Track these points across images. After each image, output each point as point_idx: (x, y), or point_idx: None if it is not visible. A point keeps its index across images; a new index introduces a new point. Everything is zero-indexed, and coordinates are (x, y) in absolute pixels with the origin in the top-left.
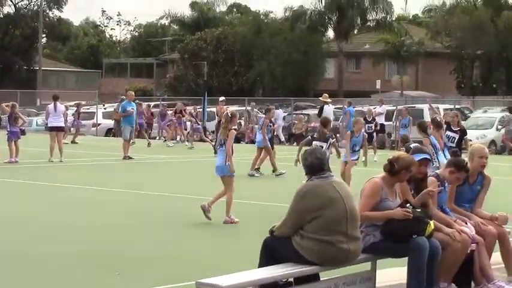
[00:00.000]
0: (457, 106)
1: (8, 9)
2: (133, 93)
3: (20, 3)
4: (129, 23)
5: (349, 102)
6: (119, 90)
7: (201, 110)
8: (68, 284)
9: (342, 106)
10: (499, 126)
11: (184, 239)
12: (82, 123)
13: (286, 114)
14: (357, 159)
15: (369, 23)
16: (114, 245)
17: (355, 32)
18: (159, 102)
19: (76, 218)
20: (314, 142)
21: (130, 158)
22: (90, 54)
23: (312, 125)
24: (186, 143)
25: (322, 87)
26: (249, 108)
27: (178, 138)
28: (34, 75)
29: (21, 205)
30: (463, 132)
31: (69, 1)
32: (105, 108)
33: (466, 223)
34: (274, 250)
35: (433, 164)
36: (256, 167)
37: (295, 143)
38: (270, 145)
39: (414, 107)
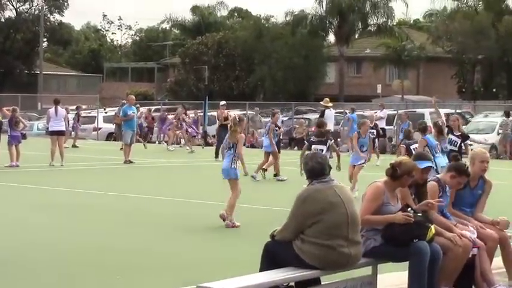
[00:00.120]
0: (458, 111)
1: (10, 13)
2: (133, 97)
3: (21, 8)
4: (130, 28)
5: (352, 109)
6: (120, 95)
7: (202, 114)
8: None
9: (342, 110)
10: (500, 131)
11: (185, 242)
12: (81, 126)
13: (287, 118)
14: (364, 162)
15: (369, 28)
16: (115, 249)
17: (356, 37)
18: (160, 107)
19: (77, 223)
20: (313, 146)
21: (131, 162)
22: (91, 59)
23: (313, 129)
24: (187, 147)
25: (323, 92)
26: (252, 113)
27: (182, 143)
28: (35, 80)
29: (22, 209)
30: (464, 137)
31: (70, 5)
32: (106, 113)
33: (469, 227)
34: (275, 254)
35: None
36: (263, 167)
37: (296, 147)
38: (277, 149)
39: (415, 111)
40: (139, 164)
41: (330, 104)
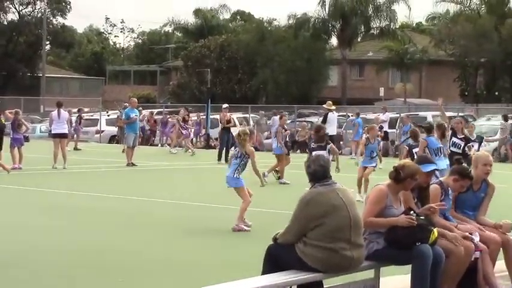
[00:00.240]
0: (460, 114)
1: (12, 16)
2: (136, 100)
3: (24, 11)
4: (132, 30)
5: (357, 114)
6: (122, 98)
7: (204, 117)
8: None
9: (345, 114)
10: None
11: (187, 245)
12: (82, 129)
13: (289, 121)
14: (376, 166)
15: (372, 31)
16: (117, 251)
17: (359, 40)
18: (162, 110)
19: (79, 225)
20: (314, 153)
21: (134, 164)
22: (93, 62)
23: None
24: (189, 150)
25: (326, 95)
26: (256, 116)
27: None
28: (38, 82)
29: (24, 212)
30: (467, 139)
31: (73, 8)
32: (108, 115)
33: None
34: (277, 257)
35: None
36: (278, 174)
37: (298, 151)
38: (287, 151)
39: (417, 114)
40: (142, 167)
41: (333, 107)
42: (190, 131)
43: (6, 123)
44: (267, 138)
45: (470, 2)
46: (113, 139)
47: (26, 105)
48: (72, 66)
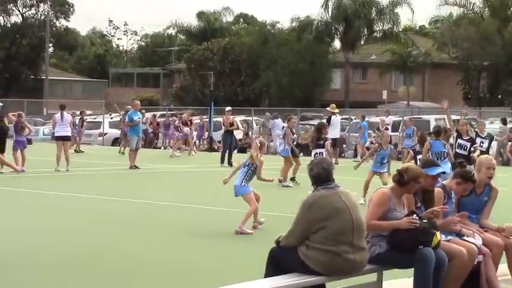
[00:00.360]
0: (463, 117)
1: (16, 18)
2: (139, 102)
3: (27, 13)
4: (136, 33)
5: (362, 116)
6: (125, 100)
7: (207, 120)
8: None
9: (348, 117)
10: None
11: (190, 248)
12: (85, 132)
13: None
14: (387, 171)
15: (375, 34)
16: (119, 254)
17: (362, 43)
18: (165, 112)
19: (82, 227)
20: (314, 151)
21: (137, 167)
22: (96, 64)
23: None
24: (193, 153)
25: (329, 98)
26: (258, 118)
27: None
28: (41, 85)
29: (27, 214)
30: (472, 141)
31: (76, 11)
32: (111, 118)
33: (474, 234)
34: (280, 260)
35: None
36: (291, 176)
37: (301, 153)
38: (296, 154)
39: (421, 117)
40: (145, 170)
41: (336, 110)
42: (191, 133)
43: (9, 125)
44: (270, 141)
45: (473, 5)
46: (116, 142)
47: (29, 108)
48: (75, 68)
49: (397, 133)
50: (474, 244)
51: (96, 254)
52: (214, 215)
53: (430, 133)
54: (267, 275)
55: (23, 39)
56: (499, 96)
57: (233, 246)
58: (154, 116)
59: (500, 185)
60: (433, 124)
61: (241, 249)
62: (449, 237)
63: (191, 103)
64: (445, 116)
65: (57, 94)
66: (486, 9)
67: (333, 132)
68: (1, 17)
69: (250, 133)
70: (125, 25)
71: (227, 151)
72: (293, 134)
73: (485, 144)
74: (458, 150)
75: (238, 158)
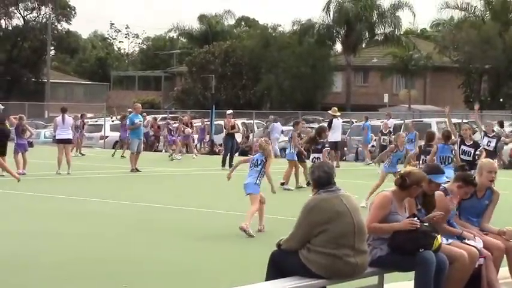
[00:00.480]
0: (464, 120)
1: (17, 21)
2: (140, 105)
3: (28, 16)
4: (137, 36)
5: (366, 117)
6: (126, 103)
7: (208, 123)
8: None
9: (349, 120)
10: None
11: (191, 251)
12: (86, 135)
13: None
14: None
15: (377, 37)
16: (121, 257)
17: (363, 46)
18: (166, 115)
19: (83, 230)
20: (312, 155)
21: (138, 170)
22: (98, 67)
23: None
24: (194, 156)
25: (330, 101)
26: (260, 122)
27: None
28: (42, 88)
29: (28, 217)
30: (476, 146)
31: (77, 14)
32: (112, 121)
33: (475, 237)
34: (281, 264)
35: None
36: (300, 181)
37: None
38: (297, 158)
39: (422, 121)
40: (146, 173)
41: (338, 114)
42: (192, 135)
43: (10, 128)
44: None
45: (474, 9)
46: (122, 144)
47: (31, 111)
48: (77, 71)
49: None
50: (475, 247)
51: (97, 257)
52: (215, 218)
53: (442, 136)
54: (268, 278)
55: (25, 42)
56: (501, 100)
57: (234, 249)
58: (155, 119)
59: (502, 188)
60: (434, 127)
61: (242, 252)
62: (450, 240)
63: (192, 106)
64: (446, 120)
65: (58, 97)
66: (487, 12)
67: (335, 135)
68: (3, 20)
69: (251, 136)
70: (126, 28)
71: (228, 154)
72: (301, 138)
73: (493, 144)
74: (462, 157)
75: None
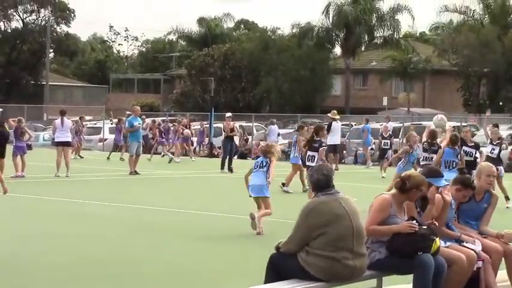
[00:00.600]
0: (463, 123)
1: (16, 24)
2: (139, 108)
3: (27, 18)
4: (136, 39)
5: (366, 120)
6: (125, 106)
7: (207, 125)
8: None
9: (348, 123)
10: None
11: (190, 254)
12: (84, 137)
13: (292, 130)
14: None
15: (376, 40)
16: (121, 259)
17: (362, 49)
18: (165, 118)
19: (83, 233)
20: (308, 153)
21: (137, 173)
22: (97, 70)
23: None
24: (193, 158)
25: (329, 104)
26: (259, 124)
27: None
28: (41, 90)
29: (28, 219)
30: (477, 147)
31: (77, 16)
32: (111, 124)
33: (474, 240)
34: (280, 266)
35: None
36: (304, 185)
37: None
38: (301, 162)
39: (421, 124)
40: (145, 175)
41: (337, 117)
42: (190, 138)
43: (9, 131)
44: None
45: (473, 12)
46: (116, 147)
47: (29, 113)
48: (76, 74)
49: (397, 139)
50: (473, 250)
51: (97, 259)
52: (215, 220)
53: (450, 140)
54: (266, 281)
55: (24, 45)
56: (500, 103)
57: (233, 252)
58: (154, 121)
59: (499, 191)
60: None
61: (242, 255)
62: (448, 243)
63: (192, 109)
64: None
65: (57, 100)
66: (486, 16)
67: (334, 138)
68: (2, 23)
69: (250, 139)
70: (125, 31)
71: (227, 157)
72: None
73: (496, 151)
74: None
75: (238, 164)
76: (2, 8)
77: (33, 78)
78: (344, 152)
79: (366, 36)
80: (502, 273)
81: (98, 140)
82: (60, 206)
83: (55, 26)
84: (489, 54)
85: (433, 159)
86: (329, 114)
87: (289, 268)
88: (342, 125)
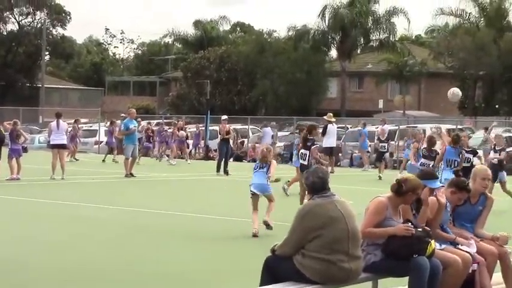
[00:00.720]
0: (459, 126)
1: (12, 26)
2: (134, 110)
3: (23, 21)
4: (132, 41)
5: (363, 124)
6: (121, 108)
7: (203, 128)
8: None
9: (344, 125)
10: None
11: (185, 257)
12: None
13: (288, 133)
14: None
15: (372, 43)
16: (115, 263)
17: (358, 52)
18: (160, 121)
19: (77, 236)
20: (301, 151)
21: (133, 175)
22: (93, 72)
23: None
24: (189, 161)
25: (325, 107)
26: (254, 127)
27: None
28: (37, 93)
29: (22, 222)
30: (474, 152)
31: (72, 19)
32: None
33: (469, 242)
34: (275, 269)
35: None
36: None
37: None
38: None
39: (416, 126)
40: (141, 178)
41: (333, 119)
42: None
43: (5, 133)
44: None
45: (469, 15)
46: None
47: (25, 116)
48: (72, 76)
49: (393, 142)
50: (468, 253)
51: (91, 262)
52: (210, 223)
53: (452, 140)
54: (262, 284)
55: (19, 47)
56: (496, 106)
57: (228, 255)
58: (149, 123)
59: (500, 195)
60: (428, 133)
61: (237, 258)
62: (443, 246)
63: (187, 112)
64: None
65: (53, 102)
66: (482, 19)
67: (329, 141)
68: None
69: (246, 141)
70: (121, 33)
71: (223, 159)
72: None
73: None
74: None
75: (234, 166)
76: None
77: (28, 81)
78: (340, 154)
79: (362, 39)
80: (497, 276)
81: (93, 143)
82: (55, 209)
83: (51, 29)
84: (485, 57)
85: (431, 165)
86: (325, 117)
87: (284, 271)
88: (338, 127)
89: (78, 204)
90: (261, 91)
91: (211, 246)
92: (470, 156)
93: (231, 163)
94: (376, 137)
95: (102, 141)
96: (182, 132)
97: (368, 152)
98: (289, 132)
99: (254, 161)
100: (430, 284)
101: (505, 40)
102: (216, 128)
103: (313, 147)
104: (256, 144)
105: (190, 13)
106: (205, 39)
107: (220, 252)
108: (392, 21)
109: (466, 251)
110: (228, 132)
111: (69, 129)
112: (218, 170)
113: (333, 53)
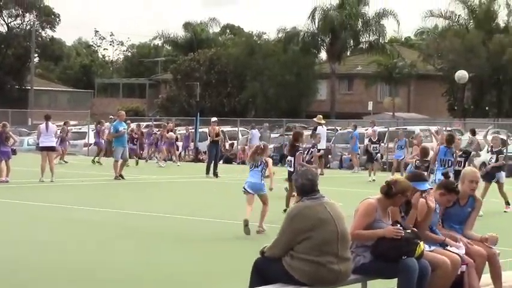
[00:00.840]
0: (448, 128)
1: (1, 28)
2: (124, 113)
3: (12, 23)
4: (122, 43)
5: (354, 126)
6: (111, 111)
7: (193, 130)
8: None
9: (334, 127)
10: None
11: (175, 259)
12: (69, 142)
13: (278, 135)
14: None
15: (361, 45)
16: (106, 265)
17: (348, 54)
18: (150, 123)
19: (67, 238)
20: (288, 158)
21: (123, 177)
22: (82, 74)
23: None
24: (178, 163)
25: (315, 109)
26: (244, 129)
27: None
28: (26, 95)
29: (11, 225)
30: (467, 154)
31: (62, 21)
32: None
33: (460, 243)
34: (264, 271)
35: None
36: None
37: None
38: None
39: (406, 128)
40: (131, 180)
41: (323, 121)
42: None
43: None
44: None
45: (458, 17)
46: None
47: (14, 118)
48: (61, 79)
49: (383, 144)
50: (457, 254)
51: (83, 265)
52: (200, 225)
53: (446, 140)
54: (251, 286)
55: (8, 49)
56: (487, 108)
57: (217, 257)
58: (139, 126)
59: (494, 196)
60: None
61: (226, 260)
62: (432, 247)
63: (177, 114)
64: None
65: (42, 104)
66: (471, 21)
67: (319, 143)
68: None
69: (235, 143)
70: (111, 35)
71: (212, 162)
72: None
73: (493, 160)
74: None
75: (223, 168)
76: None
77: (17, 83)
78: (329, 156)
79: (352, 41)
80: (486, 277)
81: (82, 145)
82: (44, 212)
83: (40, 31)
84: (474, 59)
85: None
86: (314, 119)
87: (273, 272)
88: (327, 129)
89: (67, 207)
90: (250, 93)
91: (202, 248)
92: (462, 159)
93: (221, 165)
94: (367, 139)
95: (91, 144)
96: (171, 134)
97: (358, 154)
98: (278, 134)
99: (243, 163)
100: (419, 286)
101: (494, 42)
102: (206, 130)
103: (297, 153)
104: (246, 147)
105: (180, 15)
106: (195, 41)
107: (210, 254)
108: (382, 23)
109: (455, 253)
110: (217, 135)
111: (58, 131)
112: (208, 172)
113: (323, 55)
